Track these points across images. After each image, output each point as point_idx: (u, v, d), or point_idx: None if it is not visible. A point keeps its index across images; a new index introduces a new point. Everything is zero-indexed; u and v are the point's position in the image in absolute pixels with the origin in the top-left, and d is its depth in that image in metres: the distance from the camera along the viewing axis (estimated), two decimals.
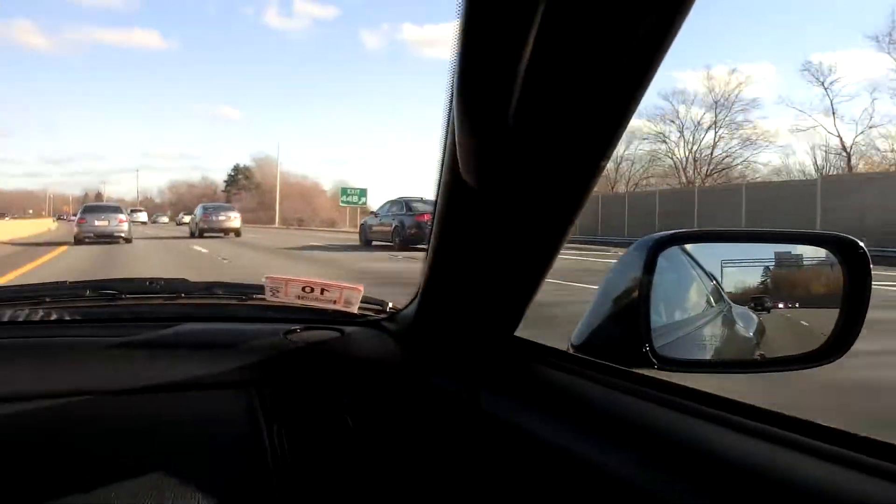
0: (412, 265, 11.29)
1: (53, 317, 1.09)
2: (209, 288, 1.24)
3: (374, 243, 18.03)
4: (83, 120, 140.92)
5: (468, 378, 1.01)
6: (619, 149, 23.52)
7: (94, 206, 22.18)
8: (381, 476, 0.99)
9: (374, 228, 18.55)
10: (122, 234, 19.04)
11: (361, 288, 1.14)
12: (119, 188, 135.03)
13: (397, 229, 16.78)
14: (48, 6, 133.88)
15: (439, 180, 0.79)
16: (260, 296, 1.21)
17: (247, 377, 1.04)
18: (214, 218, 24.42)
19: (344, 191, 42.53)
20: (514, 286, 0.90)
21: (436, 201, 0.83)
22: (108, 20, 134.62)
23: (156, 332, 1.10)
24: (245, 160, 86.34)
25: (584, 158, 0.66)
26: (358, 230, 21.42)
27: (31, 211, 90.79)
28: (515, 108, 0.59)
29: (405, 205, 17.26)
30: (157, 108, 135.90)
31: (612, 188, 36.65)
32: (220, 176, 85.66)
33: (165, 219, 67.75)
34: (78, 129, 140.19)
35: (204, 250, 16.21)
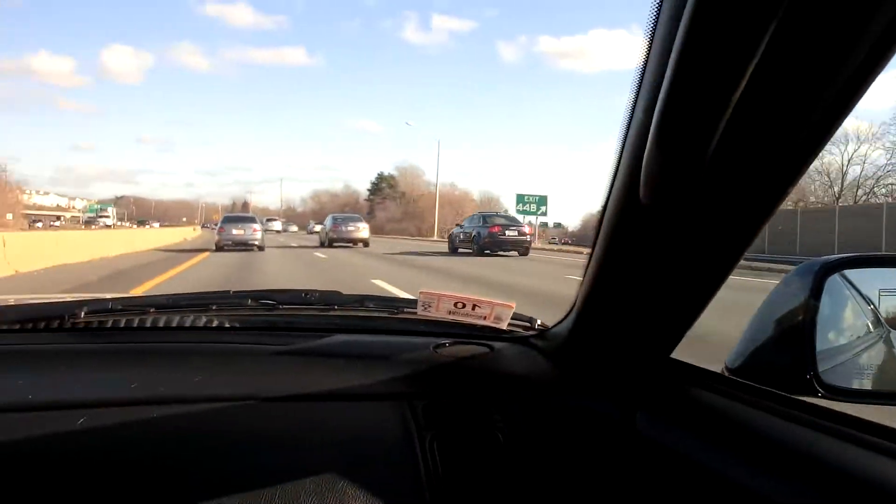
0: (485, 269, 14.11)
1: (215, 323, 1.18)
2: (361, 301, 1.30)
3: (460, 250, 21.82)
4: (234, 133, 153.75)
5: (624, 400, 1.01)
6: None
7: (232, 216, 24.17)
8: (531, 495, 0.99)
9: (461, 237, 22.30)
10: (256, 243, 20.86)
11: (513, 305, 1.15)
12: (264, 197, 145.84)
13: (475, 238, 20.68)
14: (209, 30, 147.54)
15: (609, 194, 0.79)
16: (410, 309, 1.25)
17: (399, 389, 1.07)
18: (343, 228, 25.39)
19: (520, 198, 38.15)
20: (678, 307, 0.89)
21: (602, 215, 0.83)
22: (260, 40, 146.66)
23: (310, 342, 1.16)
24: (385, 170, 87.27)
25: (776, 184, 0.66)
26: (448, 239, 24.99)
27: (184, 219, 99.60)
28: (720, 136, 0.60)
29: (483, 218, 21.65)
30: (301, 121, 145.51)
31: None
32: (360, 186, 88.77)
33: (295, 227, 70.84)
34: (229, 143, 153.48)
35: (323, 255, 18.96)
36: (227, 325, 1.19)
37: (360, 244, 25.25)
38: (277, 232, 55.55)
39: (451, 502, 0.95)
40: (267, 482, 0.88)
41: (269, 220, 57.12)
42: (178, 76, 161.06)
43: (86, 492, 0.83)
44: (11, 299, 1.26)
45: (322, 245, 25.68)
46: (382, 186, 79.50)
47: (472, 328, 1.22)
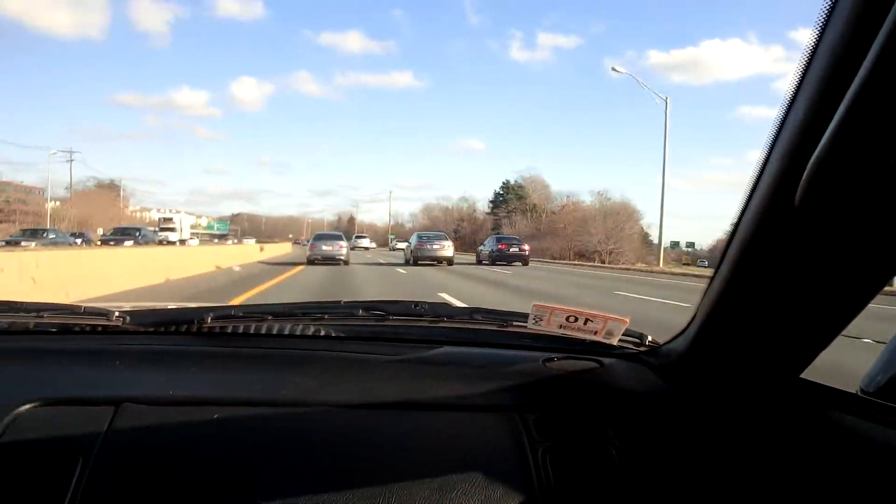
0: (494, 273, 20.15)
1: (330, 333, 1.25)
2: (470, 313, 1.32)
3: (483, 262, 28.25)
4: (344, 154, 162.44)
5: (749, 421, 0.98)
6: None
7: (322, 234, 27.10)
8: None
9: (482, 252, 29.65)
10: (342, 257, 23.55)
11: (627, 320, 1.14)
12: (371, 214, 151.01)
13: (490, 253, 28.21)
14: (323, 58, 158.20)
15: (748, 201, 0.77)
16: (518, 322, 1.26)
17: (509, 401, 1.08)
18: (428, 246, 25.52)
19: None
20: (818, 323, 0.85)
21: (737, 223, 0.80)
22: (370, 65, 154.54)
23: (420, 353, 1.20)
24: (487, 193, 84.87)
25: None
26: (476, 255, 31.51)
27: (290, 235, 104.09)
28: None
29: (496, 239, 29.94)
30: (406, 141, 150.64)
31: None
32: (479, 206, 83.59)
33: (374, 244, 69.83)
34: (339, 163, 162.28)
35: (402, 271, 20.69)
36: (341, 335, 1.26)
37: (445, 262, 25.34)
38: (365, 248, 57.51)
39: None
40: (379, 486, 0.91)
41: (357, 237, 59.41)
42: (295, 103, 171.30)
43: (216, 479, 0.89)
44: (147, 306, 1.38)
45: (407, 263, 26.01)
46: (508, 198, 72.20)
47: (581, 343, 1.22)
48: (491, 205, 77.08)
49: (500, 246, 28.23)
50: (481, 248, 31.32)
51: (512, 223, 64.30)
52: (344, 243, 24.41)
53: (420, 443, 0.99)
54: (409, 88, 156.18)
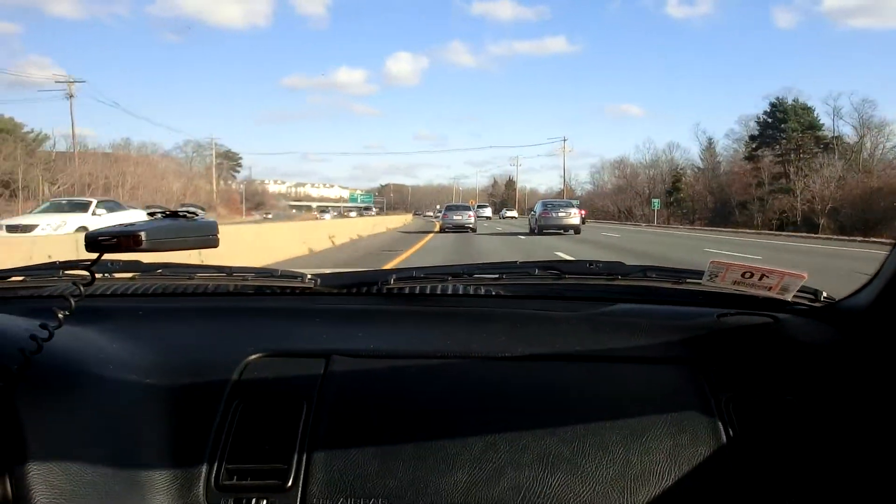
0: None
1: (511, 292, 1.34)
2: (644, 271, 1.35)
3: (534, 229, 26.49)
4: (500, 123, 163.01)
5: None
6: None
7: (452, 205, 32.05)
8: (830, 467, 0.98)
9: (531, 220, 28.44)
10: (470, 225, 27.60)
11: (805, 276, 1.14)
12: (529, 181, 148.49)
13: (533, 219, 27.10)
14: (475, 27, 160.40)
15: None
16: (692, 279, 1.29)
17: (687, 354, 1.13)
18: (553, 214, 25.22)
19: None
20: None
21: None
22: (522, 32, 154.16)
23: (596, 309, 1.27)
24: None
25: None
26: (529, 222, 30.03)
27: (438, 206, 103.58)
28: None
29: (542, 203, 27.53)
30: (564, 106, 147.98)
31: None
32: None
33: (489, 212, 67.67)
34: (495, 132, 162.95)
35: (523, 238, 23.51)
36: (520, 294, 1.35)
37: (572, 231, 24.83)
38: (487, 217, 58.45)
39: (752, 463, 0.98)
40: (576, 431, 0.99)
41: (479, 206, 59.87)
42: (449, 74, 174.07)
43: (419, 423, 1.00)
44: (328, 271, 1.52)
45: (531, 232, 25.95)
46: (787, 126, 48.06)
47: (754, 300, 1.24)
48: (750, 143, 54.09)
49: (543, 212, 25.85)
50: (531, 213, 29.96)
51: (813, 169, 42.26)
52: (472, 213, 29.01)
53: (605, 392, 1.06)
54: (563, 54, 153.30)
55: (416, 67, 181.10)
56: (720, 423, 1.01)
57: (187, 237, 1.03)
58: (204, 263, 1.50)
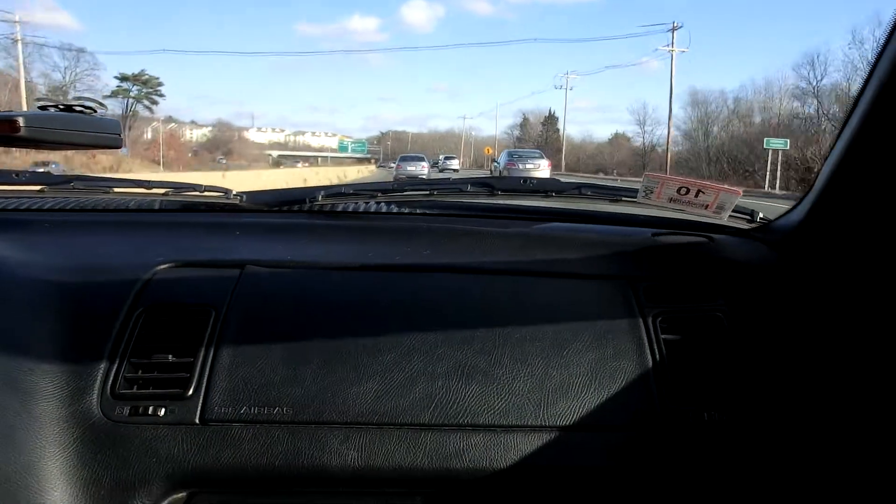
0: None
1: (440, 210, 1.33)
2: (579, 188, 1.33)
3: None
4: (515, 75, 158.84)
5: (870, 289, 0.98)
6: None
7: (407, 156, 32.59)
8: (764, 378, 0.99)
9: (493, 169, 27.00)
10: (423, 177, 25.78)
11: (740, 192, 1.13)
12: (577, 116, 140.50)
13: (498, 171, 23.85)
14: None
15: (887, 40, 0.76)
16: (628, 198, 1.27)
17: (619, 271, 1.12)
18: (520, 167, 22.83)
19: None
20: None
21: (872, 70, 0.80)
22: None
23: (528, 227, 1.26)
24: None
25: None
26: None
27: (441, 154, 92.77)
28: None
29: (507, 153, 25.39)
30: (580, 59, 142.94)
31: None
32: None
33: (456, 164, 63.99)
34: (510, 85, 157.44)
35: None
36: (451, 210, 1.34)
37: None
38: (455, 171, 56.40)
39: (677, 377, 0.99)
40: (494, 342, 0.99)
41: (446, 158, 57.99)
42: (465, 23, 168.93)
43: (333, 333, 0.99)
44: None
45: None
46: None
47: (688, 223, 1.24)
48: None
49: (509, 163, 23.24)
50: (494, 164, 27.65)
51: None
52: (425, 164, 29.11)
53: (529, 305, 1.05)
54: (582, 3, 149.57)
55: (432, 15, 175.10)
56: (646, 339, 1.01)
57: (83, 131, 0.99)
58: (118, 177, 1.46)
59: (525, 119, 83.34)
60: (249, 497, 0.92)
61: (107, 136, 1.03)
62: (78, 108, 0.98)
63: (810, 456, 0.96)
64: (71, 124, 0.96)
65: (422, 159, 30.74)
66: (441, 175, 26.76)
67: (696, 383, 0.99)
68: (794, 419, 0.97)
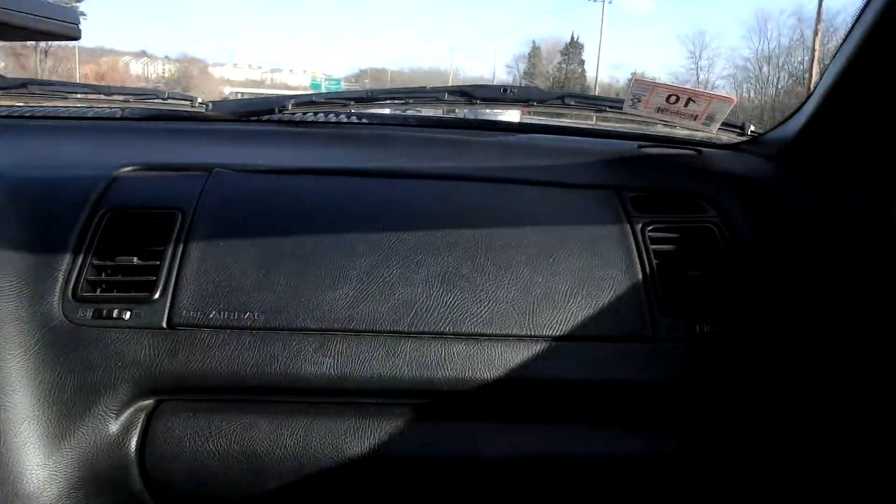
0: None
1: (416, 121, 1.30)
2: (562, 98, 1.29)
3: None
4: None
5: (876, 192, 0.97)
6: None
7: None
8: (757, 287, 0.98)
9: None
10: None
11: (734, 99, 1.09)
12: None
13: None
14: None
15: None
16: (614, 108, 1.24)
17: (605, 181, 1.09)
18: (488, 111, 22.80)
19: None
20: None
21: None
22: None
23: (507, 138, 1.23)
24: None
25: None
26: None
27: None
28: None
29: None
30: None
31: None
32: None
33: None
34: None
35: None
36: (427, 121, 1.30)
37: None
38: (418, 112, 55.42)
39: (667, 288, 0.97)
40: (476, 248, 0.96)
41: None
42: None
43: (303, 237, 0.96)
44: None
45: None
46: None
47: (676, 138, 1.23)
48: None
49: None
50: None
51: None
52: None
53: (513, 212, 1.02)
54: None
55: None
56: (635, 248, 0.99)
57: (38, 16, 0.93)
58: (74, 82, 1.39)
59: (535, 49, 61.16)
60: (219, 405, 0.89)
61: (64, 25, 0.97)
62: None
63: (804, 374, 0.95)
64: (24, 5, 0.90)
65: None
66: None
67: (687, 295, 0.97)
68: (787, 335, 0.96)
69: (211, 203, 0.98)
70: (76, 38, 0.97)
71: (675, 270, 0.99)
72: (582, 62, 55.33)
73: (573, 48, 56.46)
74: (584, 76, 54.42)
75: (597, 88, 37.28)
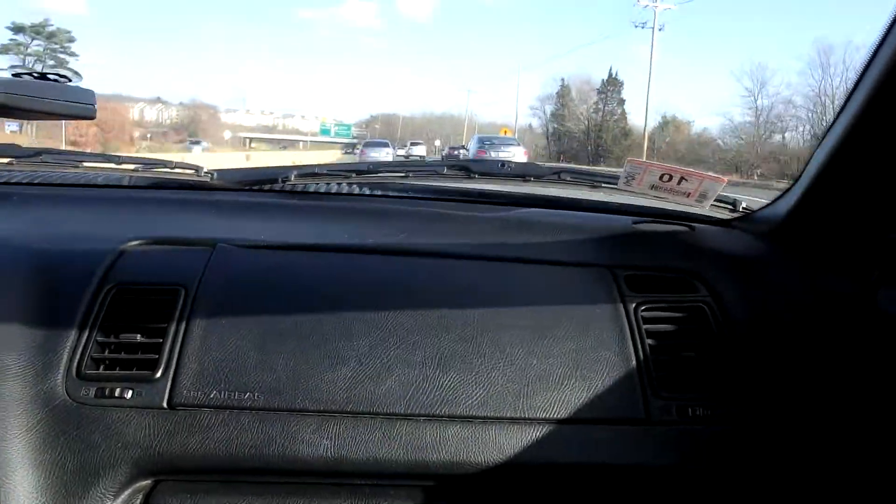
0: None
1: (416, 193, 1.33)
2: (558, 173, 1.33)
3: None
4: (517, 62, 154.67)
5: (861, 276, 0.99)
6: None
7: (371, 142, 32.71)
8: (749, 364, 1.00)
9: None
10: None
11: (724, 179, 1.13)
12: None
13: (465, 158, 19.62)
14: None
15: (882, 40, 0.78)
16: (609, 184, 1.27)
17: (599, 259, 1.12)
18: (493, 154, 19.05)
19: None
20: None
21: (867, 65, 0.82)
22: None
23: (507, 212, 1.26)
24: None
25: None
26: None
27: (437, 141, 71.40)
28: None
29: (477, 139, 21.95)
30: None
31: None
32: None
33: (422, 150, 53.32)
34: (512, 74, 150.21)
35: None
36: (426, 194, 1.33)
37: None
38: (421, 157, 51.62)
39: (660, 368, 0.99)
40: (472, 330, 0.98)
41: (412, 143, 53.90)
42: (465, 8, 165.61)
43: (305, 314, 0.98)
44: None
45: None
46: None
47: (669, 212, 1.25)
48: None
49: (479, 151, 19.98)
50: (462, 152, 24.26)
51: None
52: (390, 150, 29.48)
53: (508, 292, 1.05)
54: None
55: (431, 3, 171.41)
56: (628, 328, 1.01)
57: (56, 100, 0.98)
58: (87, 151, 1.44)
59: (564, 87, 52.73)
60: (217, 486, 0.90)
61: (81, 106, 1.02)
62: (52, 77, 0.97)
63: (798, 455, 0.96)
64: (45, 92, 0.95)
65: (386, 145, 31.26)
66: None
67: (680, 376, 0.99)
68: (779, 418, 0.97)
69: (214, 280, 1.01)
70: (91, 117, 1.02)
71: (667, 351, 1.00)
72: (622, 101, 48.38)
73: (611, 86, 48.33)
74: (625, 118, 47.93)
75: (645, 137, 34.24)
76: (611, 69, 52.25)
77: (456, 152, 27.13)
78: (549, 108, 55.79)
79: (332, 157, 45.74)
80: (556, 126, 53.99)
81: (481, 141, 21.30)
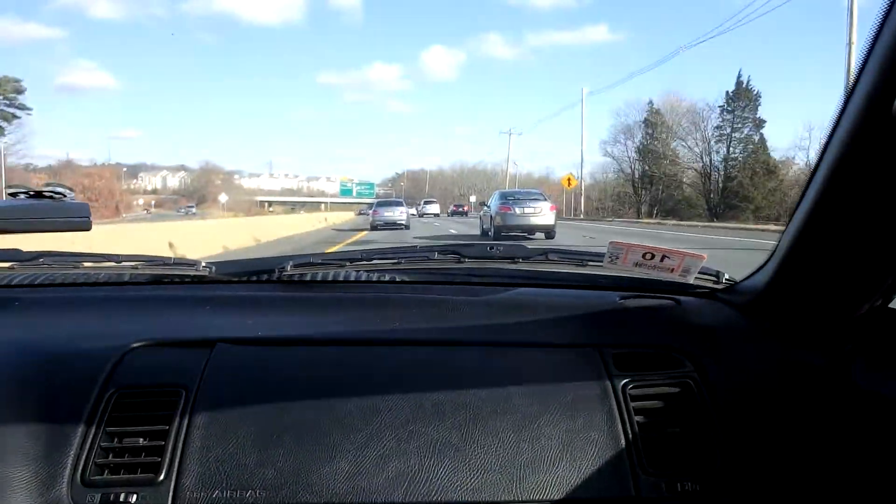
0: None
1: (408, 278, 1.38)
2: (546, 254, 1.37)
3: (488, 231, 19.25)
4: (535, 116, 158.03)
5: (837, 350, 1.01)
6: None
7: (383, 201, 31.94)
8: (733, 442, 1.01)
9: (484, 218, 20.81)
10: (402, 222, 26.78)
11: (704, 256, 1.16)
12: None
13: (489, 217, 18.96)
14: (512, 17, 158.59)
15: (839, 117, 0.80)
16: (594, 262, 1.31)
17: (586, 338, 1.15)
18: (517, 211, 17.69)
19: None
20: None
21: (826, 144, 0.84)
22: (560, 21, 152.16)
23: (497, 295, 1.30)
24: None
25: None
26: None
27: (474, 198, 68.04)
28: None
29: (500, 195, 19.77)
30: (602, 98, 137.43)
31: None
32: None
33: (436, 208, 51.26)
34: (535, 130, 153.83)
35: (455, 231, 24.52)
36: (418, 279, 1.38)
37: (543, 234, 17.83)
38: (435, 215, 47.63)
39: (649, 446, 1.01)
40: (465, 417, 1.01)
41: (426, 202, 51.86)
42: (486, 68, 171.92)
43: (304, 410, 1.01)
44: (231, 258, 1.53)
45: (485, 234, 19.53)
46: None
47: (656, 283, 1.27)
48: None
49: (502, 207, 17.96)
50: (484, 209, 21.78)
51: None
52: (404, 209, 28.20)
53: (499, 377, 1.07)
54: (603, 44, 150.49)
55: (453, 62, 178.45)
56: (616, 408, 1.03)
57: (54, 219, 1.03)
58: (87, 252, 1.49)
59: (653, 112, 45.12)
60: None
61: (76, 221, 1.07)
62: (48, 194, 1.02)
63: None
64: (41, 212, 1.00)
65: (399, 204, 29.60)
66: (422, 220, 26.78)
67: (668, 452, 1.00)
68: (766, 488, 0.99)
69: (213, 379, 1.05)
70: (87, 229, 1.07)
71: (655, 428, 1.02)
72: (760, 123, 38.22)
73: (742, 99, 37.21)
74: (766, 147, 37.39)
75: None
76: (739, 74, 38.28)
77: (460, 209, 27.67)
78: (609, 150, 45.92)
79: (347, 216, 45.46)
80: (645, 167, 43.36)
81: (504, 196, 19.25)
